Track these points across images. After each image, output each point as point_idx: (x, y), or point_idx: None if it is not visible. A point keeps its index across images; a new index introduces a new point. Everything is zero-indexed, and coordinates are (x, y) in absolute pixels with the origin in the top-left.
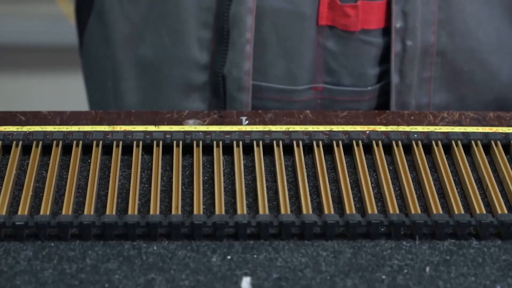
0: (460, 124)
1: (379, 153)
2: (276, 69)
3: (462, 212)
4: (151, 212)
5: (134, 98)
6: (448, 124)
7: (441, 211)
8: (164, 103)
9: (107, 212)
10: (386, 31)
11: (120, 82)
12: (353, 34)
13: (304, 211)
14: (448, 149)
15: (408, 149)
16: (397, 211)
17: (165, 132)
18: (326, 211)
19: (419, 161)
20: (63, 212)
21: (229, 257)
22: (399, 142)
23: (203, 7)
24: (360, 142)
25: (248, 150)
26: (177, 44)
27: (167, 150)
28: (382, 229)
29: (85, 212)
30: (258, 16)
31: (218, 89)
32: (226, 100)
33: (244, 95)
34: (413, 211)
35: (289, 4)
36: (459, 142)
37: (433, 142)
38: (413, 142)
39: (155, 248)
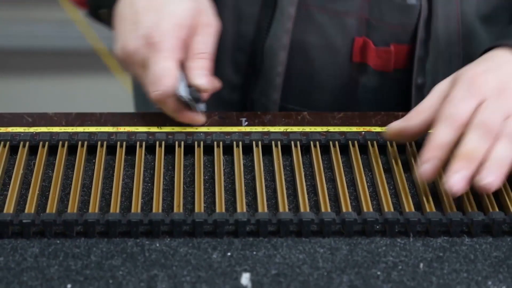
0: None
1: (374, 153)
2: (310, 97)
3: (455, 210)
4: (154, 210)
5: None
6: None
7: (434, 209)
8: None
9: (111, 210)
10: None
11: None
12: (385, 73)
13: (302, 209)
14: None
15: (402, 149)
16: (392, 209)
17: (167, 133)
18: (323, 209)
19: (413, 161)
20: (69, 210)
21: (229, 253)
22: (394, 143)
23: (241, 34)
24: (356, 142)
25: (247, 150)
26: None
27: (169, 150)
28: (377, 227)
29: (90, 210)
30: (294, 49)
31: (247, 110)
32: None
33: None
34: (407, 209)
35: (324, 41)
36: None
37: None
38: (407, 143)
39: (157, 245)
